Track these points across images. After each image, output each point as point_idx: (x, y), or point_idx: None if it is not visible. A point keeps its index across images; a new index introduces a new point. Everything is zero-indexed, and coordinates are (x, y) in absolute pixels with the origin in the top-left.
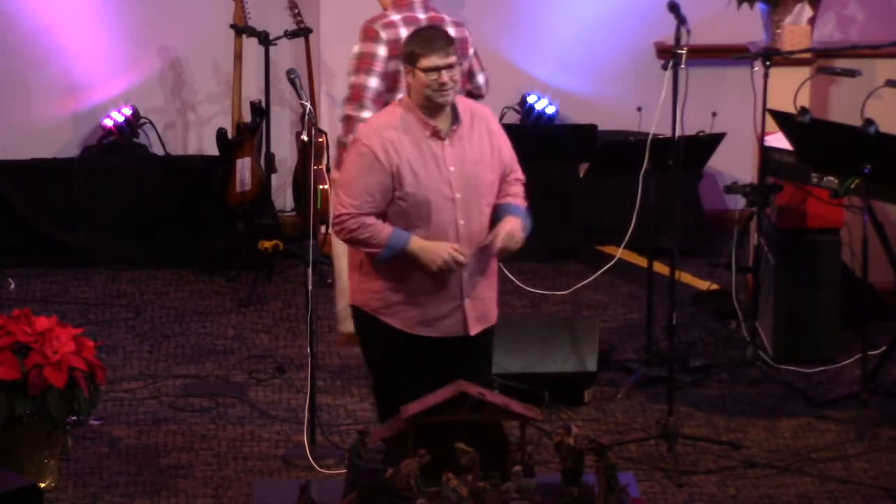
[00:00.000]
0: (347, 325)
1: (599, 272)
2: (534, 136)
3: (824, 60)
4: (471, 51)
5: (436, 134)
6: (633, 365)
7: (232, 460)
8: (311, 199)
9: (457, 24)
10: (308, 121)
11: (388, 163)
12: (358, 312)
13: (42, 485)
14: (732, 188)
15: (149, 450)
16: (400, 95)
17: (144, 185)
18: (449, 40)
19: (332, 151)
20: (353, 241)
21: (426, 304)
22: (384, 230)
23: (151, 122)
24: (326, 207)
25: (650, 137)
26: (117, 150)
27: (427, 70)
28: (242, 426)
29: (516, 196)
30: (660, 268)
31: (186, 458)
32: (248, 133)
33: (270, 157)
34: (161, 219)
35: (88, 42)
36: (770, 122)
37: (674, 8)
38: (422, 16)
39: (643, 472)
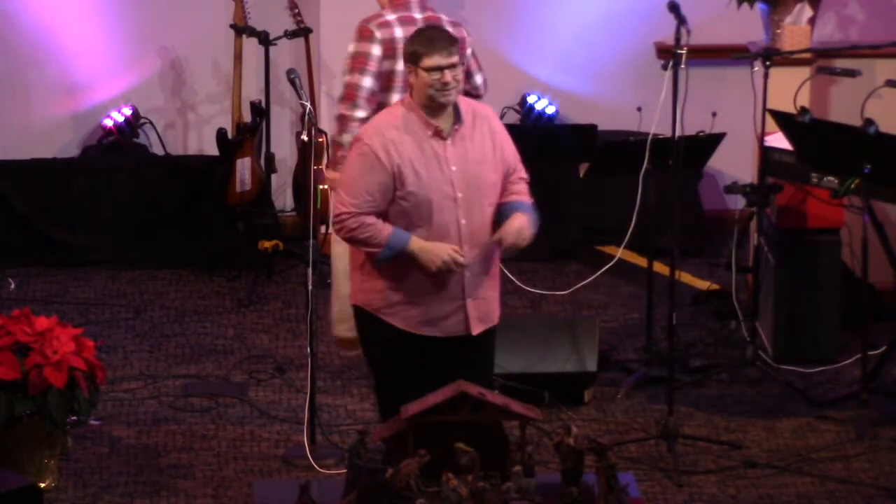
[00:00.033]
0: (339, 330)
1: (599, 272)
2: (534, 136)
3: (824, 60)
4: (468, 51)
5: (438, 133)
6: (633, 365)
7: (232, 460)
8: (311, 199)
9: (454, 24)
10: (308, 121)
11: (388, 163)
12: (360, 312)
13: (42, 485)
14: (732, 188)
15: (149, 450)
16: (394, 95)
17: (144, 185)
18: (452, 40)
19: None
20: (352, 241)
21: (428, 304)
22: (384, 230)
23: (151, 122)
24: (326, 207)
25: (650, 137)
26: (117, 150)
27: (430, 70)
28: (242, 426)
29: (522, 194)
30: (660, 268)
31: (186, 458)
32: (248, 133)
33: (270, 157)
34: (161, 219)
35: (88, 42)
36: (770, 122)
37: (674, 8)
38: (418, 15)
39: (643, 472)
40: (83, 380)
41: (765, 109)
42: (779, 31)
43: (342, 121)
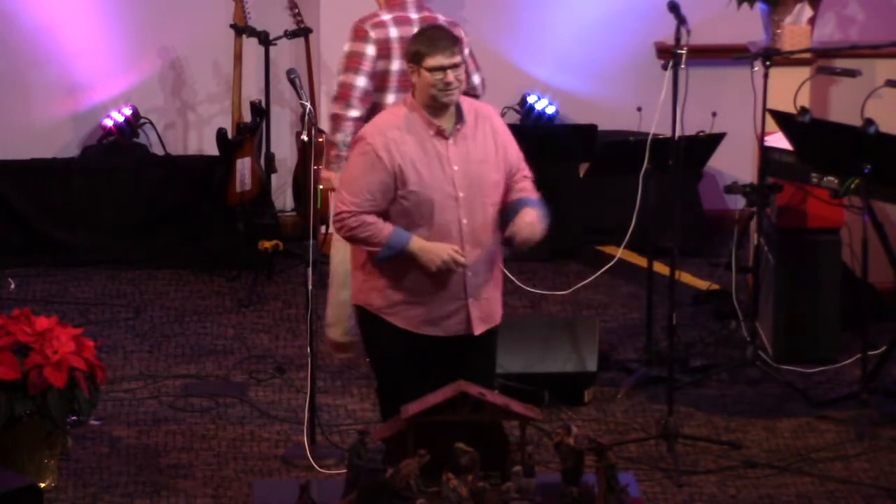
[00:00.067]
0: (332, 333)
1: (599, 272)
2: (534, 136)
3: (824, 60)
4: (466, 51)
5: (440, 133)
6: (633, 365)
7: (232, 460)
8: (311, 199)
9: (451, 24)
10: (308, 121)
11: (390, 162)
12: (361, 312)
13: (42, 485)
14: (732, 188)
15: (149, 450)
16: (388, 95)
17: (144, 185)
18: (454, 40)
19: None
20: (353, 239)
21: (430, 304)
22: (385, 229)
23: (151, 122)
24: (326, 207)
25: (650, 137)
26: (117, 150)
27: (432, 69)
28: (242, 426)
29: (528, 191)
30: (660, 268)
31: (186, 458)
32: (248, 133)
33: (270, 157)
34: (161, 219)
35: (88, 42)
36: (770, 122)
37: (674, 8)
38: (414, 15)
39: (643, 472)
40: (83, 380)
41: (765, 109)
42: (779, 31)
43: (335, 120)
